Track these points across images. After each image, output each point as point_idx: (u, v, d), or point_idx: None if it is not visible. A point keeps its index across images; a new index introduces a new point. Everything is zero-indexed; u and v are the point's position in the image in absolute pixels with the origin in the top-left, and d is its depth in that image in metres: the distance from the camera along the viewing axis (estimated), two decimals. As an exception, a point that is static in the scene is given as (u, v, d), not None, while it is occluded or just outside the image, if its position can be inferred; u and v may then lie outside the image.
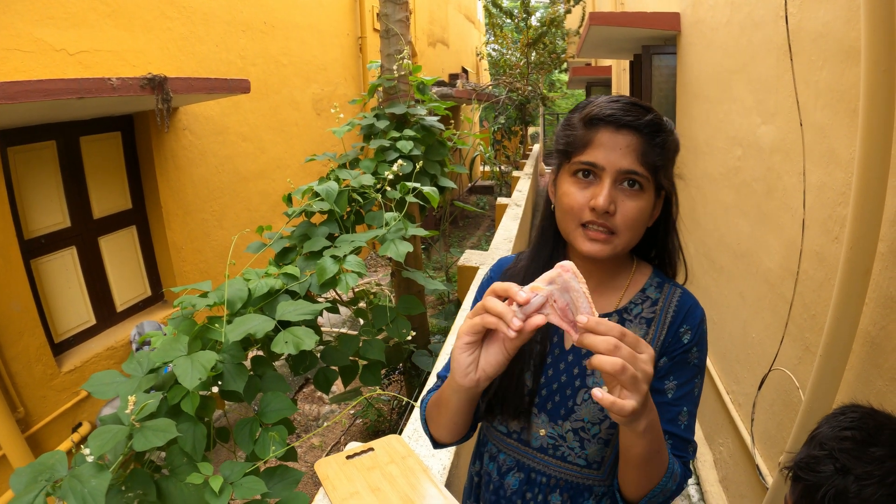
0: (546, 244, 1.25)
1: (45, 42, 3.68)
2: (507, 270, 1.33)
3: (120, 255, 4.72)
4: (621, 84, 8.15)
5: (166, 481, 1.65)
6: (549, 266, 1.17)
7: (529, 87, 12.02)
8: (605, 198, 1.04)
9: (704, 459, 3.62)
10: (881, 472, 1.03)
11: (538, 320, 0.86)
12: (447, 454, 1.90)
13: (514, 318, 0.86)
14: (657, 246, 1.27)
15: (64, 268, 4.20)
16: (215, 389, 1.90)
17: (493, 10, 13.25)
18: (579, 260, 1.21)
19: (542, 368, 1.22)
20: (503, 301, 0.91)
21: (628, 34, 5.18)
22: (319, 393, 4.72)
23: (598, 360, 0.83)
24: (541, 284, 0.85)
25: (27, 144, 3.87)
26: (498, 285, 0.91)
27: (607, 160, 1.06)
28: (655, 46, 5.10)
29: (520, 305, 0.87)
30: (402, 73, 3.32)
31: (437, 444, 1.31)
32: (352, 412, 4.52)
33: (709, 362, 3.66)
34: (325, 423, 4.44)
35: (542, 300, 0.86)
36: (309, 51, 7.09)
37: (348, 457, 1.80)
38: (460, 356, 0.97)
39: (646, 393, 0.85)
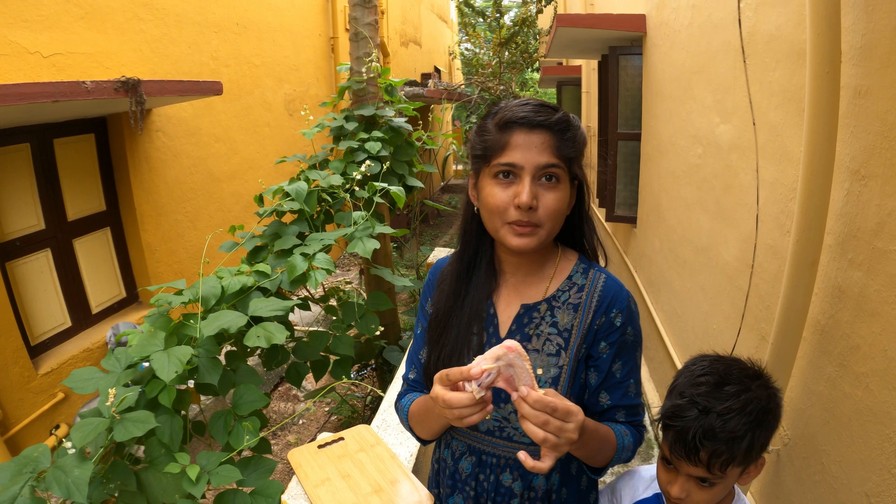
0: (469, 244, 1.35)
1: (19, 45, 3.69)
2: (441, 273, 1.43)
3: (94, 256, 4.74)
4: (591, 83, 8.26)
5: (145, 472, 1.72)
6: (473, 264, 1.33)
7: (502, 87, 12.09)
8: (528, 194, 1.15)
9: (671, 447, 3.73)
10: (739, 405, 1.19)
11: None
12: (413, 443, 1.99)
13: (478, 393, 1.00)
14: (575, 232, 1.36)
15: (39, 270, 4.22)
16: (191, 384, 1.97)
17: (466, 10, 13.30)
18: (508, 255, 1.31)
19: None
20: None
21: (596, 35, 5.28)
22: (294, 391, 4.79)
23: (527, 428, 0.99)
24: (489, 363, 0.99)
25: (1, 147, 3.88)
26: (453, 375, 1.03)
27: (525, 159, 1.16)
28: (622, 47, 5.22)
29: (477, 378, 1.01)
30: (371, 75, 3.41)
31: (425, 443, 1.46)
32: (326, 409, 4.59)
33: (673, 353, 3.77)
34: (301, 419, 4.50)
35: (495, 375, 1.00)
36: (281, 51, 7.12)
37: (320, 446, 1.88)
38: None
39: (566, 451, 1.01)
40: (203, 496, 1.77)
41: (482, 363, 0.99)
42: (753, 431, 1.19)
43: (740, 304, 2.57)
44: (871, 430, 1.68)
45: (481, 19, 13.44)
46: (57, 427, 4.03)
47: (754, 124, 2.44)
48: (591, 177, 7.54)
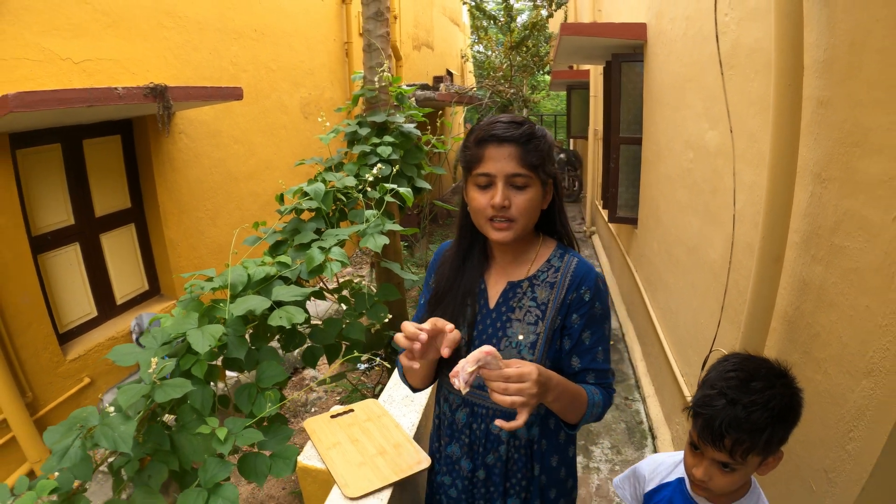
0: (465, 237, 1.61)
1: (51, 51, 3.91)
2: (443, 254, 1.70)
3: (120, 251, 4.95)
4: (598, 87, 8.40)
5: (177, 434, 1.94)
6: (469, 252, 1.61)
7: (512, 90, 12.22)
8: (500, 197, 1.40)
9: (663, 438, 3.89)
10: (763, 399, 1.31)
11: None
12: (416, 414, 2.21)
13: (465, 389, 1.23)
14: (552, 224, 1.61)
15: (68, 263, 4.44)
16: (219, 362, 2.21)
17: (477, 14, 13.43)
18: (494, 244, 1.58)
19: (474, 324, 1.58)
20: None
21: (599, 42, 5.45)
22: (308, 381, 5.01)
23: (497, 399, 1.23)
24: (472, 365, 1.23)
25: (34, 147, 4.09)
26: (407, 330, 1.30)
27: (496, 168, 1.40)
28: (625, 54, 5.38)
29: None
30: (383, 84, 3.62)
31: (415, 390, 1.72)
32: (338, 397, 4.81)
33: (667, 349, 3.94)
34: (313, 407, 4.71)
35: (476, 373, 1.24)
36: (297, 56, 7.27)
37: (332, 416, 2.11)
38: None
39: (534, 403, 1.24)
40: (233, 462, 1.99)
41: (467, 367, 1.22)
42: (774, 425, 1.31)
43: (722, 299, 2.74)
44: (828, 412, 1.85)
45: (492, 23, 13.56)
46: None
47: (731, 132, 2.63)
48: (598, 178, 7.70)
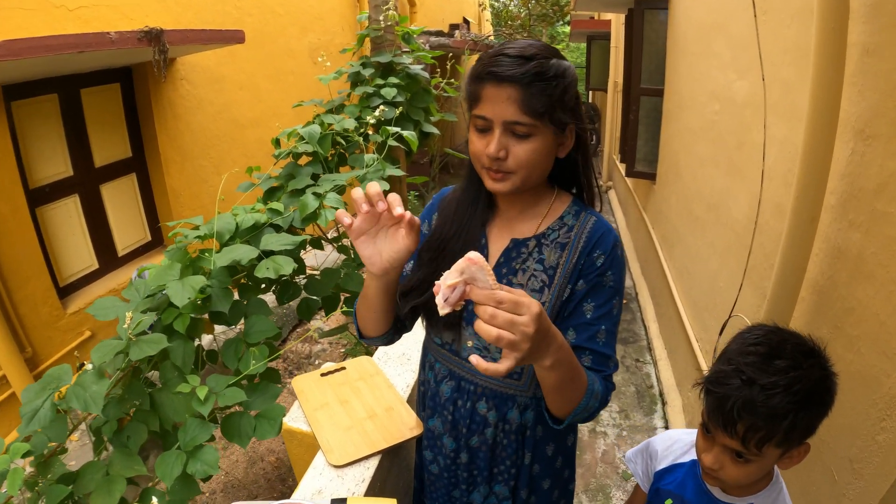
0: (473, 182, 1.36)
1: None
2: (444, 199, 1.46)
3: (120, 201, 4.90)
4: (619, 38, 8.17)
5: (158, 393, 1.83)
6: (475, 199, 1.35)
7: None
8: (495, 146, 1.16)
9: (674, 405, 3.79)
10: (785, 381, 1.09)
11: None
12: (412, 375, 2.09)
13: (444, 310, 0.96)
14: (572, 177, 1.38)
15: (67, 215, 4.40)
16: (206, 316, 2.09)
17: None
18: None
19: None
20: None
21: (621, -12, 5.26)
22: (311, 332, 4.94)
23: (479, 328, 0.92)
24: (455, 276, 0.95)
25: (30, 98, 4.00)
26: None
27: (493, 113, 1.16)
28: (648, 1, 5.18)
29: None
30: (388, 23, 3.46)
31: (362, 337, 1.45)
32: (342, 350, 4.74)
33: (682, 310, 3.82)
34: (317, 360, 4.64)
35: (461, 290, 0.95)
36: (305, 0, 7.10)
37: (323, 374, 2.01)
38: (360, 250, 1.15)
39: (527, 350, 0.93)
40: (217, 421, 1.89)
41: (447, 278, 0.96)
42: (797, 412, 1.10)
43: (745, 262, 2.57)
44: (859, 395, 1.69)
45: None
46: (83, 365, 4.21)
47: (763, 80, 2.44)
48: (616, 132, 7.49)
